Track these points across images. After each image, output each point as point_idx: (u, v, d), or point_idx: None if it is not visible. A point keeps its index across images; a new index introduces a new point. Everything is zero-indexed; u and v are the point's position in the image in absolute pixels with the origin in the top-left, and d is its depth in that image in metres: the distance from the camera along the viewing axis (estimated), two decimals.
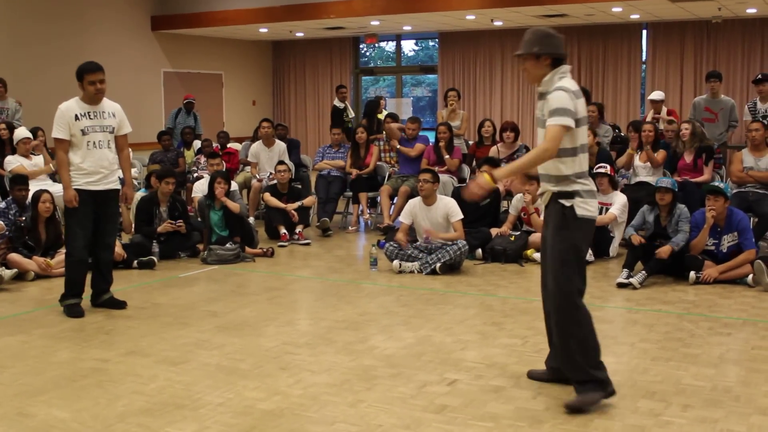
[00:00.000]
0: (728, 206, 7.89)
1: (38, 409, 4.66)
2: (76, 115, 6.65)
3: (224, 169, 10.68)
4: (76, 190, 6.66)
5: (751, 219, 8.71)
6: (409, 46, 21.41)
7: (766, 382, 5.03)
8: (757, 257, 7.78)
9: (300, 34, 18.93)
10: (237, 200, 9.74)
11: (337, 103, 14.19)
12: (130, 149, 7.25)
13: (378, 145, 11.81)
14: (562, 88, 4.59)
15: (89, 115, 6.70)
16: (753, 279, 7.62)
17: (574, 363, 4.61)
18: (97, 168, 6.72)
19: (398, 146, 11.40)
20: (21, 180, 8.89)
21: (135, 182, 11.53)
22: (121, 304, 7.06)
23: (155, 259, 8.85)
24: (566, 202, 4.59)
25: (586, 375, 4.58)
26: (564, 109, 4.52)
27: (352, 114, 13.82)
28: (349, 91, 19.98)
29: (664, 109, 11.91)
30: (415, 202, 8.79)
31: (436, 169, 9.81)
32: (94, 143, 6.70)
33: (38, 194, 8.30)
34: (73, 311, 6.81)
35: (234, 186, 10.10)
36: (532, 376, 5.13)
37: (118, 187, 6.96)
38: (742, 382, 5.06)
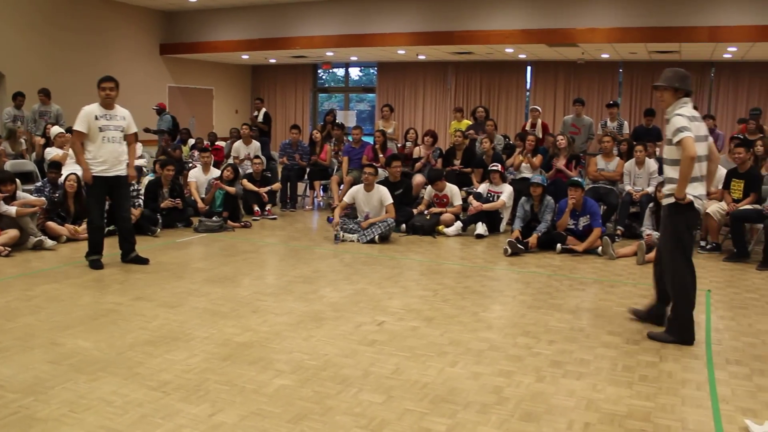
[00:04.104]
0: (584, 196, 8.03)
1: (67, 340, 4.56)
2: (96, 116, 6.59)
3: (213, 161, 10.55)
4: (93, 176, 6.62)
5: (602, 206, 8.89)
6: (355, 72, 21.24)
7: (608, 324, 5.15)
8: (604, 234, 7.95)
9: (273, 60, 18.71)
10: (236, 185, 9.73)
11: (254, 112, 13.95)
12: (139, 144, 7.14)
13: (330, 145, 11.75)
14: (680, 114, 4.61)
15: (106, 117, 6.64)
16: (601, 250, 7.79)
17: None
18: (108, 158, 6.64)
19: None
20: (55, 165, 8.70)
21: (144, 170, 11.32)
22: (144, 261, 7.01)
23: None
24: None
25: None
26: (684, 126, 4.53)
27: (260, 119, 13.58)
28: (307, 104, 19.85)
29: (539, 121, 12.04)
30: (358, 188, 8.77)
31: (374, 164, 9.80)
32: (108, 138, 6.62)
33: (67, 176, 8.14)
34: (95, 265, 6.76)
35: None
36: (634, 312, 5.29)
37: (125, 173, 6.84)
38: (591, 325, 5.16)
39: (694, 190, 4.69)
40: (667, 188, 4.78)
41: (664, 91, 4.73)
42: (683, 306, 4.73)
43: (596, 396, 3.78)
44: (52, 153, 10.16)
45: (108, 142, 6.62)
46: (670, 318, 4.82)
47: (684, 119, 4.58)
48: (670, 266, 4.78)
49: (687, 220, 4.74)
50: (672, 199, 4.71)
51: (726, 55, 13.91)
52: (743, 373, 4.17)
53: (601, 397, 3.76)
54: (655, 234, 7.74)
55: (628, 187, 9.04)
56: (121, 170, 6.77)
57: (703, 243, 8.17)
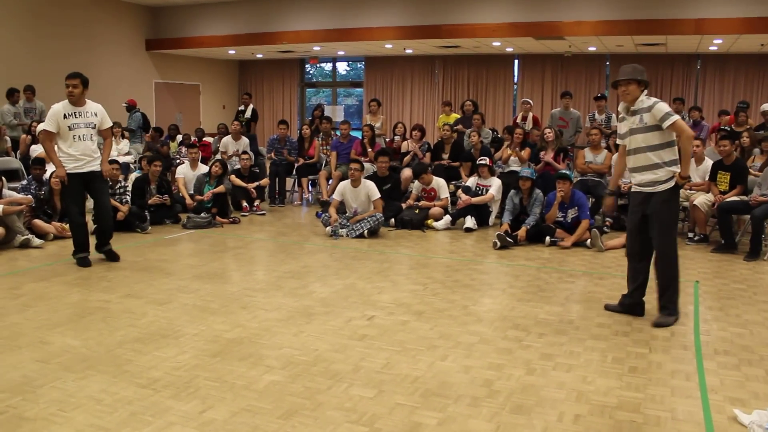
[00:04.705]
0: (572, 188, 8.05)
1: (55, 338, 4.53)
2: (65, 115, 6.49)
3: (200, 157, 10.51)
4: (67, 173, 6.55)
5: (590, 199, 8.91)
6: (342, 67, 21.20)
7: (598, 316, 5.17)
8: (592, 227, 7.97)
9: (260, 56, 18.64)
10: (224, 182, 9.65)
11: (240, 107, 13.81)
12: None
13: (318, 140, 11.71)
14: (659, 101, 4.83)
15: (75, 115, 6.54)
16: (590, 242, 7.81)
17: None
18: (80, 155, 6.56)
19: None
20: (38, 161, 8.64)
21: (132, 166, 11.25)
22: (115, 257, 6.94)
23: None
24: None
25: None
26: (670, 110, 4.76)
27: (248, 115, 13.39)
28: (294, 100, 19.80)
29: (531, 114, 12.04)
30: (345, 184, 8.74)
31: (361, 158, 9.79)
32: (78, 137, 6.53)
33: (52, 173, 8.09)
34: (83, 262, 6.69)
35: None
36: (608, 308, 5.33)
37: (100, 169, 6.77)
38: (580, 317, 5.17)
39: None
40: (661, 173, 4.88)
41: (628, 85, 4.92)
42: (672, 274, 4.94)
43: (586, 388, 3.79)
44: (37, 150, 10.10)
45: (79, 140, 6.53)
46: (663, 298, 4.98)
47: (666, 105, 4.81)
48: (662, 242, 4.91)
49: (678, 199, 4.99)
50: (673, 183, 4.86)
51: (712, 48, 13.98)
52: (731, 363, 4.20)
53: (591, 389, 3.77)
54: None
55: None
56: (95, 166, 6.69)
57: (690, 234, 8.21)
